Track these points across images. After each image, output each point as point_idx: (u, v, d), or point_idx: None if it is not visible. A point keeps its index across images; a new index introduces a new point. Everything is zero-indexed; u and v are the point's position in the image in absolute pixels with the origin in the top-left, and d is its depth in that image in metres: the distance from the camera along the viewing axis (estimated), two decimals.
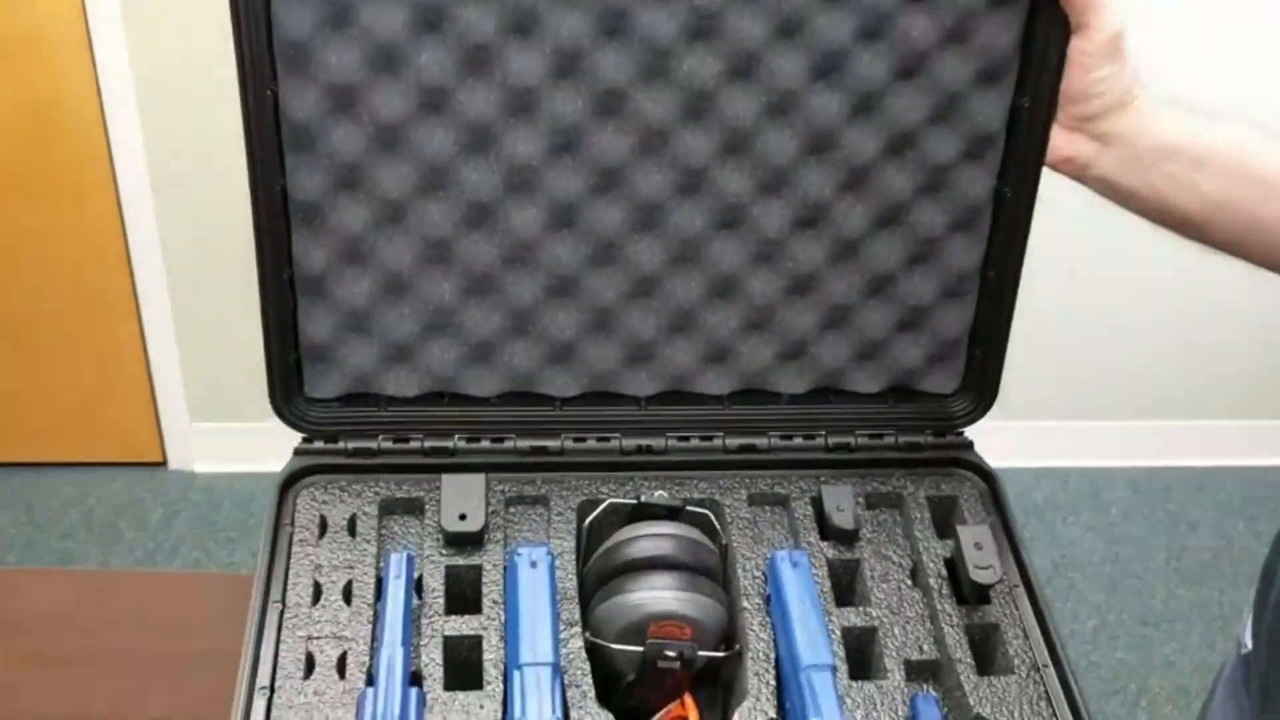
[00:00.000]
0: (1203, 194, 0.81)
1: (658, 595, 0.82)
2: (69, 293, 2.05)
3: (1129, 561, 2.17)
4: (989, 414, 0.97)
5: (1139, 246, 2.06)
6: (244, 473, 2.19)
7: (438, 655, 0.81)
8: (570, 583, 0.86)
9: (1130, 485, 2.32)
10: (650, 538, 0.86)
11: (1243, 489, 2.32)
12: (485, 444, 0.93)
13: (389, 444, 0.93)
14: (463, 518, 0.87)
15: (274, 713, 0.77)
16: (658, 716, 0.83)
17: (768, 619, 0.84)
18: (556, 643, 0.79)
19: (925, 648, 0.85)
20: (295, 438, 0.93)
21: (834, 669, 0.79)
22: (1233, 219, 0.82)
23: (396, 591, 0.82)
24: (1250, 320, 2.21)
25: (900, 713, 0.80)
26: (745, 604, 0.85)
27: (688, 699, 0.84)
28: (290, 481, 0.91)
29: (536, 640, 0.78)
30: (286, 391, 0.91)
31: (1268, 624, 0.85)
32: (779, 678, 0.81)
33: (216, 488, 2.20)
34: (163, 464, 2.23)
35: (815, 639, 0.80)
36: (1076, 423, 2.29)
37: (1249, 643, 0.90)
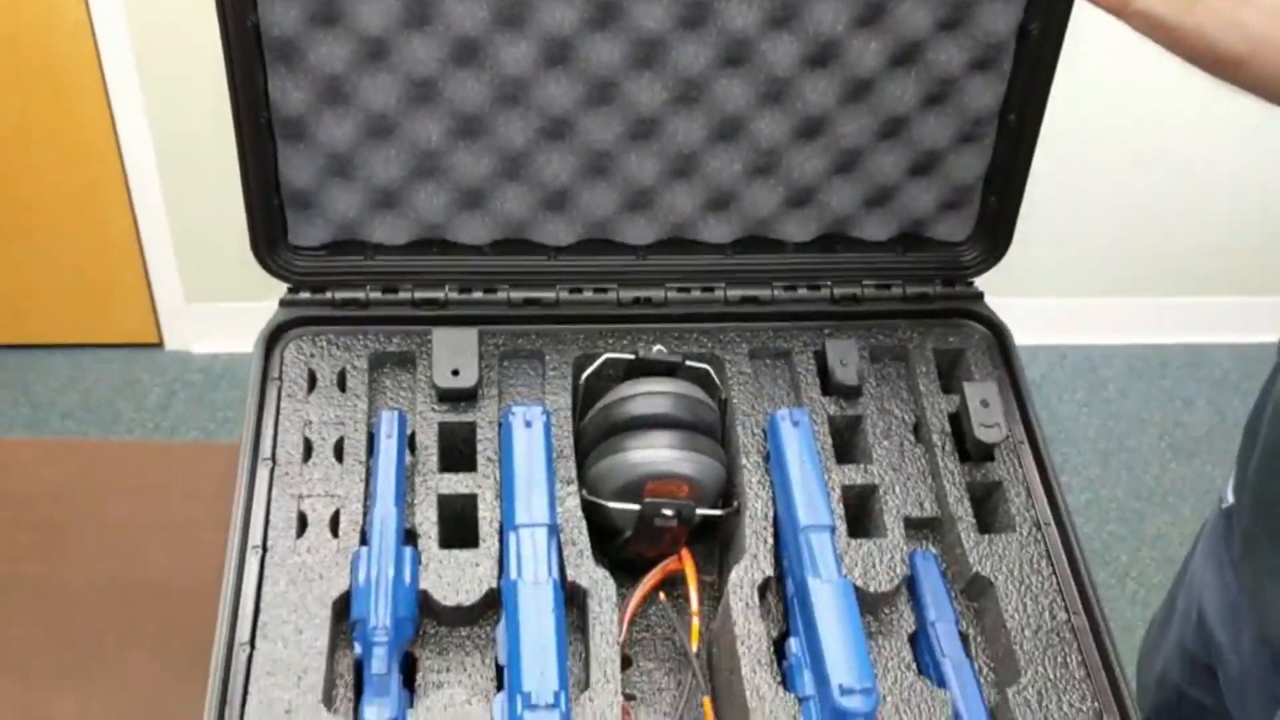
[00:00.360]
0: (1246, 30, 0.76)
1: (655, 454, 0.80)
2: (61, 176, 1.99)
3: (1123, 437, 2.17)
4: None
5: (1135, 117, 1.98)
6: (241, 353, 2.13)
7: (432, 514, 0.80)
8: (566, 440, 0.84)
9: (1127, 362, 2.29)
10: (648, 395, 0.83)
11: (1239, 365, 2.29)
12: (478, 295, 0.90)
13: (377, 295, 0.90)
14: (455, 373, 0.84)
15: (267, 571, 0.76)
16: (654, 571, 0.83)
17: (767, 477, 0.83)
18: (553, 503, 0.77)
19: (926, 505, 0.84)
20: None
21: (833, 529, 0.78)
22: (1273, 57, 0.77)
23: (389, 450, 0.80)
24: (1248, 196, 2.14)
25: (899, 570, 0.79)
26: (744, 461, 0.84)
27: (684, 554, 0.83)
28: (276, 334, 0.88)
29: (532, 501, 0.77)
30: (270, 239, 0.88)
31: (1250, 480, 0.85)
32: (777, 536, 0.81)
33: (214, 368, 2.18)
34: (159, 345, 2.21)
35: (814, 499, 0.78)
36: (1074, 300, 2.26)
37: (1230, 497, 0.90)
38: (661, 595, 0.83)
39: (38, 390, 2.13)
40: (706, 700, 0.78)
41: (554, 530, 0.76)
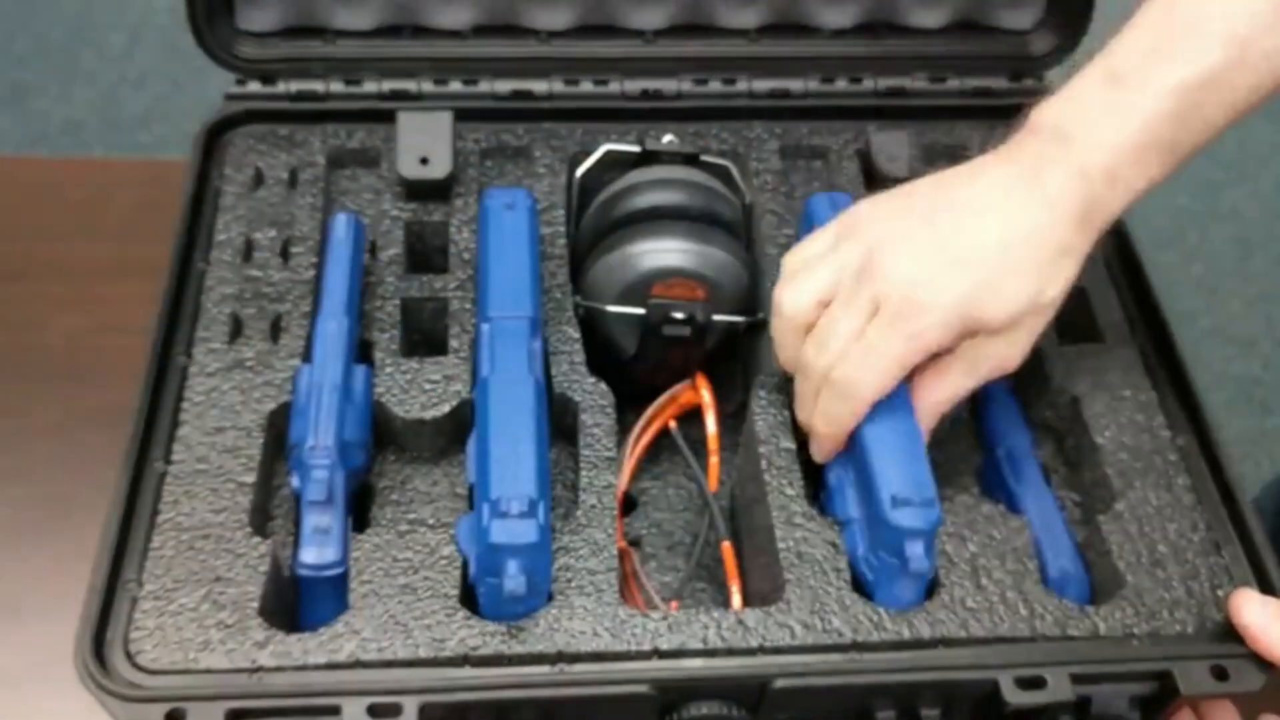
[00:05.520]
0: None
1: (664, 247, 0.66)
2: None
3: None
4: None
5: None
6: None
7: (394, 320, 0.66)
8: (560, 244, 0.71)
9: None
10: (655, 184, 0.69)
11: None
12: (456, 86, 0.76)
13: (339, 86, 0.76)
14: (424, 161, 0.71)
15: (190, 380, 0.63)
16: (662, 398, 0.69)
17: None
18: (536, 297, 0.63)
19: None
20: None
21: None
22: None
23: (340, 254, 0.66)
24: None
25: None
26: (773, 269, 0.69)
27: (700, 379, 0.69)
28: (219, 130, 0.75)
29: (511, 290, 0.63)
30: (211, 18, 0.74)
31: None
32: None
33: (179, 8, 2.04)
34: None
35: None
36: None
37: None
38: (673, 424, 0.69)
39: None
40: (726, 545, 0.64)
41: (536, 324, 0.62)
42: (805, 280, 0.59)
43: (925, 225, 0.57)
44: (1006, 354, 0.57)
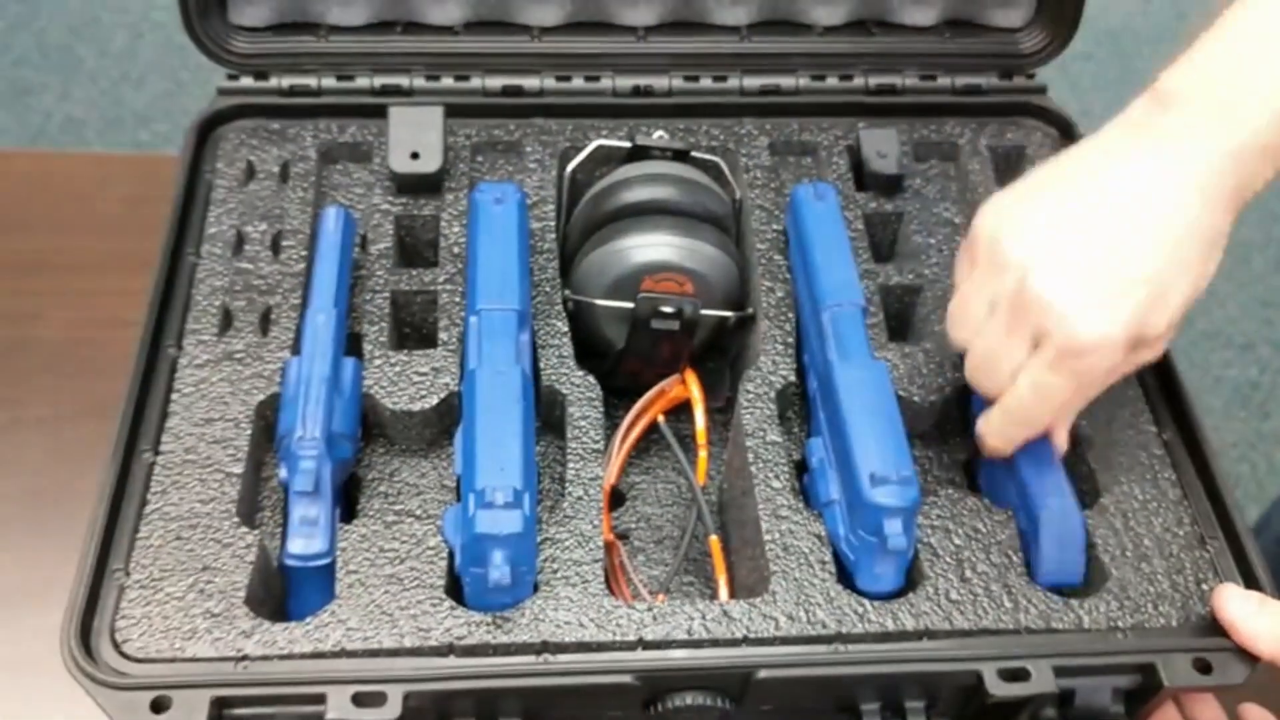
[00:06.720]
0: None
1: (653, 241, 0.67)
2: None
3: None
4: None
5: None
6: None
7: (383, 313, 0.67)
8: (550, 239, 0.71)
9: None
10: (646, 179, 0.70)
11: None
12: (448, 82, 0.77)
13: (331, 81, 0.76)
14: (415, 156, 0.71)
15: (179, 372, 0.63)
16: (651, 393, 0.69)
17: (788, 276, 0.69)
18: (525, 289, 0.64)
19: None
20: None
21: (864, 309, 0.63)
22: None
23: (330, 247, 0.67)
24: None
25: (950, 379, 0.65)
26: (761, 264, 0.70)
27: (688, 374, 0.70)
28: (212, 124, 0.75)
29: (500, 284, 0.63)
30: (204, 13, 0.74)
31: None
32: (799, 341, 0.67)
33: None
34: None
35: (841, 275, 0.64)
36: None
37: None
38: (661, 419, 0.69)
39: None
40: (713, 539, 0.64)
41: (524, 317, 0.62)
42: (958, 319, 0.57)
43: (1072, 237, 0.52)
44: (1157, 350, 0.55)
